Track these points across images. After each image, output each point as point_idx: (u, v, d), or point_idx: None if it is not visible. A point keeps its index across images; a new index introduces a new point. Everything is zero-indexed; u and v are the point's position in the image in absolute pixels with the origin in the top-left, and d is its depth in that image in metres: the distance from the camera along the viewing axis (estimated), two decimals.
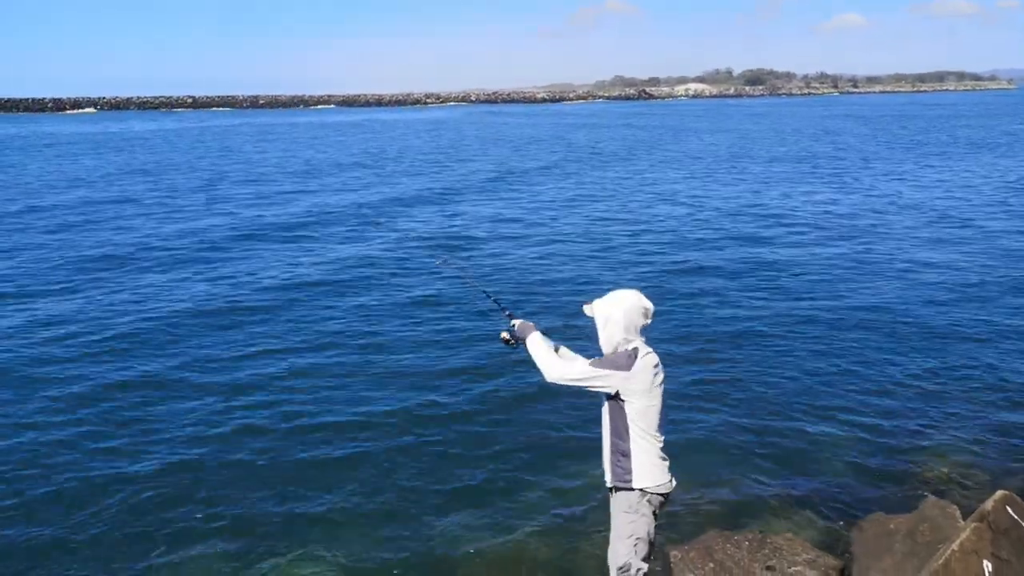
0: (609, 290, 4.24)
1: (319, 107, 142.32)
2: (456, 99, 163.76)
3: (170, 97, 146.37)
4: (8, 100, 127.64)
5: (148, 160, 38.93)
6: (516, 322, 4.34)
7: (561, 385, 4.08)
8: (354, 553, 5.91)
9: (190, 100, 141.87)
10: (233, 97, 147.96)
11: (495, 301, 4.85)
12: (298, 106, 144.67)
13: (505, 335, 4.35)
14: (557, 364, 4.08)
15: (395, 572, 5.70)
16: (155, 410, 8.45)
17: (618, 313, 4.06)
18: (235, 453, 7.47)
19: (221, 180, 29.87)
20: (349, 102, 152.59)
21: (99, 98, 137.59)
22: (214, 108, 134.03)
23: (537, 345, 4.16)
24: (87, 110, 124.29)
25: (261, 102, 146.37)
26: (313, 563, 5.77)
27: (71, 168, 35.07)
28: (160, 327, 11.34)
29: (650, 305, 4.13)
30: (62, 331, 11.15)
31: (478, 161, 37.59)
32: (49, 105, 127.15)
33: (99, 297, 13.06)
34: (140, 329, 11.24)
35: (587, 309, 4.20)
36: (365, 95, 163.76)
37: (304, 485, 6.89)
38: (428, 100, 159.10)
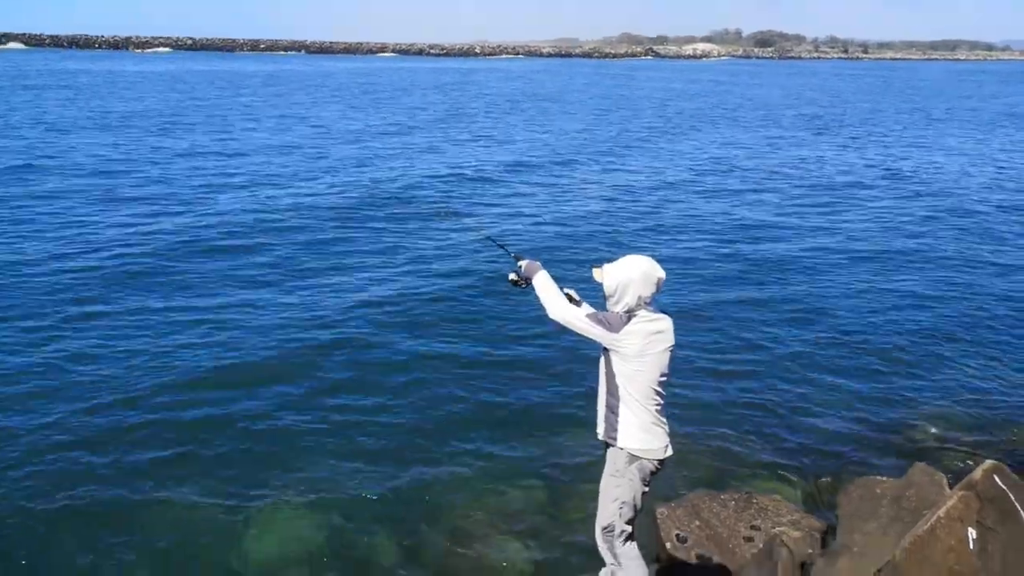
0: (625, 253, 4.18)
1: (381, 55, 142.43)
2: (460, 51, 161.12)
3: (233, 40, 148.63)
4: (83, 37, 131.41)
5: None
6: (523, 263, 4.31)
7: (561, 324, 4.09)
8: (342, 499, 5.93)
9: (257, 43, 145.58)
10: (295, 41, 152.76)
11: (500, 245, 4.86)
12: (355, 53, 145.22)
13: (513, 276, 4.35)
14: (561, 304, 4.10)
15: (384, 518, 5.74)
16: (144, 349, 8.42)
17: (628, 280, 3.99)
18: (225, 397, 7.46)
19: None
20: (419, 51, 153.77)
21: (171, 38, 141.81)
22: (279, 52, 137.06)
23: (543, 284, 4.17)
24: (161, 49, 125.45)
25: (313, 47, 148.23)
26: (299, 509, 5.80)
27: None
28: (147, 259, 11.38)
29: (662, 274, 4.05)
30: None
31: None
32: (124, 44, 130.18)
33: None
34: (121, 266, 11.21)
35: (597, 273, 4.12)
36: (421, 44, 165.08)
37: (291, 424, 6.93)
38: (432, 51, 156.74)
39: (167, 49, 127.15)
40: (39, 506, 5.73)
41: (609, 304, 4.08)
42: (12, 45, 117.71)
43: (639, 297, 3.97)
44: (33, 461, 6.26)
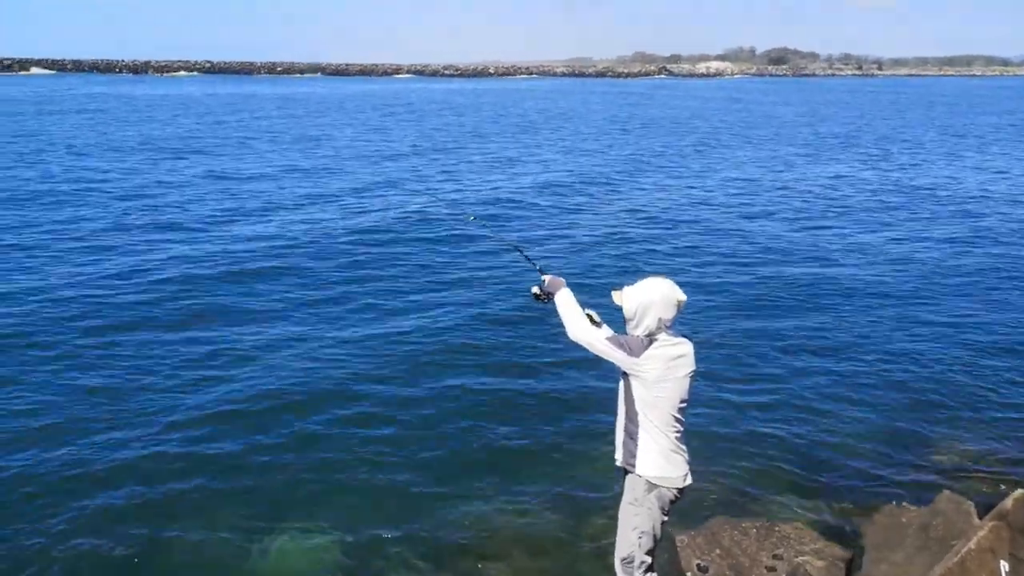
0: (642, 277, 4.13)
1: (397, 76, 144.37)
2: (474, 71, 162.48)
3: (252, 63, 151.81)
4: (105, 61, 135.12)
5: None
6: (546, 277, 4.28)
7: (579, 344, 4.05)
8: (358, 528, 5.87)
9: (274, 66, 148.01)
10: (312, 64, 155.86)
11: (526, 256, 4.82)
12: (371, 75, 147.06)
13: (536, 290, 4.31)
14: (581, 324, 4.04)
15: (399, 546, 5.67)
16: (161, 379, 8.42)
17: (649, 303, 3.94)
18: (242, 430, 7.40)
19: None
20: (433, 72, 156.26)
21: (189, 62, 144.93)
22: (296, 74, 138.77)
23: (565, 302, 4.13)
24: (182, 73, 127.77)
25: (328, 69, 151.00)
26: (315, 538, 5.75)
27: None
28: (169, 287, 11.39)
29: (683, 296, 4.00)
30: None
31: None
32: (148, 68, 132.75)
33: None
34: (145, 295, 11.26)
35: (616, 296, 4.07)
36: (435, 65, 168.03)
37: (311, 457, 6.86)
38: (446, 72, 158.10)
39: (187, 73, 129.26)
40: (55, 539, 5.70)
41: (629, 328, 4.02)
42: (35, 70, 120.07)
43: (659, 320, 3.92)
44: (51, 493, 6.24)
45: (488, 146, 32.20)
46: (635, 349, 3.91)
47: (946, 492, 5.61)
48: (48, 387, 8.07)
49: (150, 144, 30.08)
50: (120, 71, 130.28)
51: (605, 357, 4.00)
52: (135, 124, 38.72)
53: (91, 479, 6.44)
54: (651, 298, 3.93)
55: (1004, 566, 3.90)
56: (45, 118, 40.66)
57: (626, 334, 4.03)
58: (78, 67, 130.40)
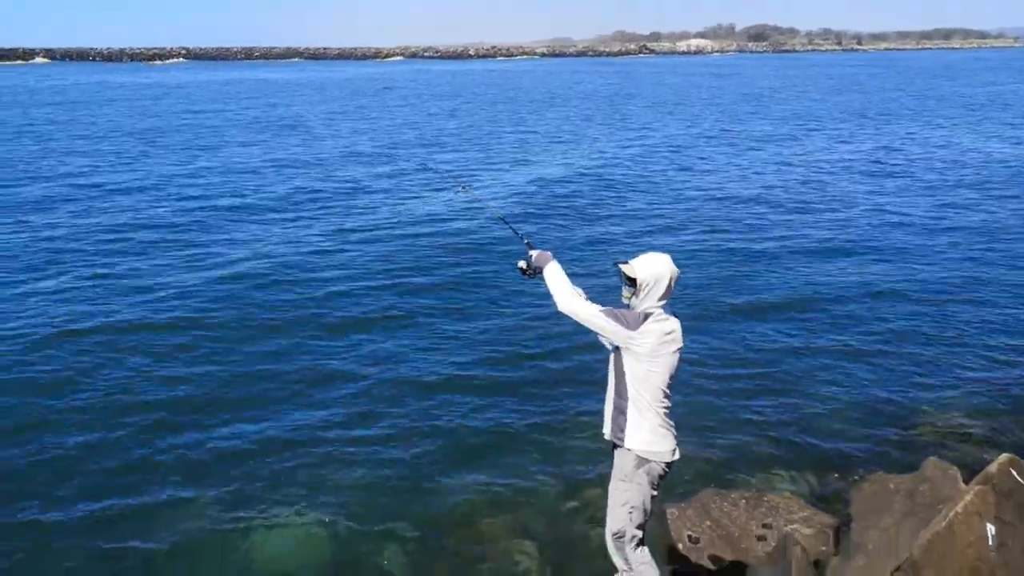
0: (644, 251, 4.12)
1: (389, 59, 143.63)
2: (455, 54, 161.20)
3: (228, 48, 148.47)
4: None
5: None
6: (534, 252, 4.22)
7: (567, 317, 4.02)
8: (348, 509, 5.88)
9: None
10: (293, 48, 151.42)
11: (513, 229, 4.75)
12: (349, 58, 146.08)
13: (522, 264, 4.24)
14: (572, 297, 4.01)
15: (393, 530, 5.68)
16: (148, 369, 8.35)
17: (661, 273, 3.95)
18: (224, 401, 7.41)
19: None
20: (413, 54, 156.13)
21: (164, 49, 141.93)
22: (273, 59, 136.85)
23: (554, 275, 4.09)
24: (158, 62, 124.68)
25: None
26: (307, 519, 5.76)
27: None
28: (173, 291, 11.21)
29: (678, 270, 4.05)
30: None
31: None
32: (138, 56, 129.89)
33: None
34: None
35: (627, 269, 4.02)
36: (415, 47, 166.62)
37: (296, 438, 6.86)
38: (427, 54, 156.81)
39: (162, 61, 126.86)
40: (47, 520, 5.72)
41: (637, 298, 3.98)
42: (2, 62, 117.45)
43: (667, 289, 3.95)
44: (48, 478, 6.27)
45: (480, 130, 32.01)
46: (632, 322, 3.90)
47: (932, 459, 5.66)
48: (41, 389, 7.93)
49: (148, 136, 29.66)
50: (94, 59, 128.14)
51: (599, 330, 3.97)
52: (134, 115, 38.13)
53: (85, 460, 6.44)
54: (661, 269, 3.96)
55: (991, 529, 3.95)
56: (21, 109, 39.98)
57: (615, 307, 4.01)
58: (50, 55, 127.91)
